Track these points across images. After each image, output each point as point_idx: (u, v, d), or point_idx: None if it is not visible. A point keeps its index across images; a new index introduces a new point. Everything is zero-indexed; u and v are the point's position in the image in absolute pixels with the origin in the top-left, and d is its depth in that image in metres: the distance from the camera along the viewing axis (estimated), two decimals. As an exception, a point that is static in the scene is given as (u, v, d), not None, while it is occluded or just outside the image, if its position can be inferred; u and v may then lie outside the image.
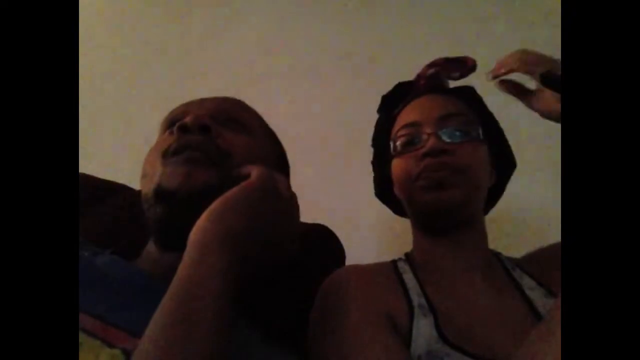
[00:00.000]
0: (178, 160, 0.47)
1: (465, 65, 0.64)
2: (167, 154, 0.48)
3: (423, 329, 0.50)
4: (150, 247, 0.51)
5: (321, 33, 1.17)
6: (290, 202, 0.46)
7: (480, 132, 0.61)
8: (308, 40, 1.17)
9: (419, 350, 0.48)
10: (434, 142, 0.58)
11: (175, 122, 0.52)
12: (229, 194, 0.41)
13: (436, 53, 0.65)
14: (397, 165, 0.63)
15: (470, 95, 0.66)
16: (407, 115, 0.64)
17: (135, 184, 0.72)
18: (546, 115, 0.54)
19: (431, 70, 0.65)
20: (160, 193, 0.46)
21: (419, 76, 0.67)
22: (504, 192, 0.68)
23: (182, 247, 0.49)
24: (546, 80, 0.49)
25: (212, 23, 1.23)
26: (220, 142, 0.49)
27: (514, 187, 0.68)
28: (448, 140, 0.58)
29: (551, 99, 0.52)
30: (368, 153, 0.72)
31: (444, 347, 0.48)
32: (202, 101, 0.56)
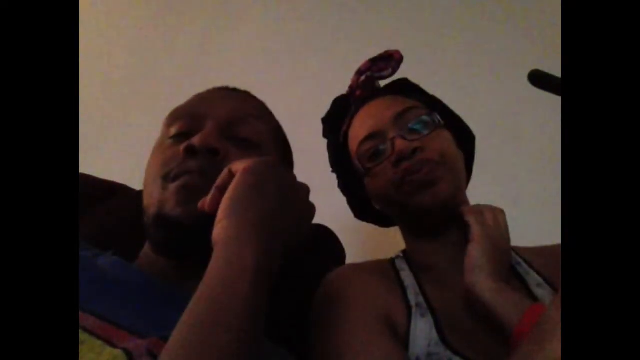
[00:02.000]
0: (178, 187, 0.45)
1: (393, 59, 0.62)
2: (168, 177, 0.47)
3: (422, 330, 0.49)
4: (147, 249, 0.51)
5: (322, 35, 1.17)
6: (290, 173, 0.45)
7: (438, 116, 0.59)
8: (308, 43, 1.17)
9: (418, 351, 0.47)
10: (402, 144, 0.55)
11: (185, 121, 0.50)
12: (232, 188, 0.40)
13: (440, 56, 0.64)
14: (373, 182, 0.60)
15: (407, 87, 0.64)
16: (360, 128, 0.61)
17: (135, 184, 0.72)
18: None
19: (362, 77, 0.63)
20: (162, 220, 0.45)
21: (352, 88, 0.65)
22: (503, 195, 0.68)
23: (179, 257, 0.48)
24: (535, 79, 0.46)
25: (213, 23, 1.23)
26: (227, 164, 0.47)
27: (512, 188, 0.68)
28: (414, 137, 0.56)
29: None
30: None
31: (445, 352, 0.47)
32: (220, 104, 0.53)
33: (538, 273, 0.55)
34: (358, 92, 0.64)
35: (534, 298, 0.52)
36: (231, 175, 0.42)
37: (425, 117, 0.58)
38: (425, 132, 0.57)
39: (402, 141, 0.56)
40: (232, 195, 0.39)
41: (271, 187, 0.40)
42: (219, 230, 0.38)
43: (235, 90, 0.59)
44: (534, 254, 0.59)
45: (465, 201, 0.60)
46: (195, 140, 0.46)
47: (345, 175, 0.67)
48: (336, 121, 0.66)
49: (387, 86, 0.64)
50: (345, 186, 0.68)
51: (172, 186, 0.46)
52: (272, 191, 0.40)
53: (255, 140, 0.52)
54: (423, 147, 0.55)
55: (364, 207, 0.68)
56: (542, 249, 0.60)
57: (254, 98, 0.60)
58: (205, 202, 0.42)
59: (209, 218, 0.41)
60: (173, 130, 0.51)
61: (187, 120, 0.51)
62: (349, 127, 0.64)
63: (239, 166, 0.42)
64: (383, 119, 0.59)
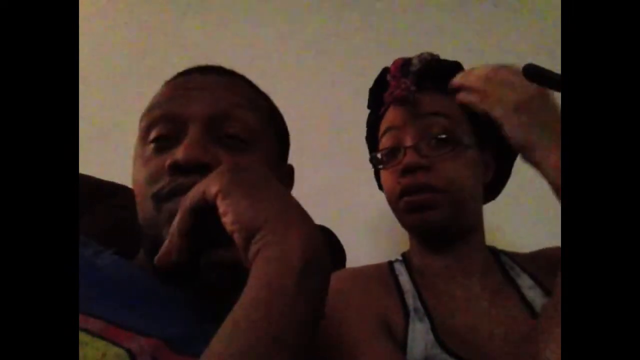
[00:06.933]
0: (173, 211, 0.40)
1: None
2: (159, 196, 0.43)
3: (419, 334, 0.49)
4: (142, 254, 0.50)
5: (321, 32, 1.17)
6: (262, 169, 0.40)
7: (466, 132, 0.57)
8: (307, 39, 1.17)
9: (416, 355, 0.48)
10: (410, 158, 0.55)
11: (164, 125, 0.46)
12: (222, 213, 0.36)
13: (440, 54, 0.64)
14: (383, 179, 0.61)
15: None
16: (390, 114, 0.61)
17: (135, 184, 0.72)
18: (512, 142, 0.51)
19: (413, 88, 0.57)
20: (160, 246, 0.41)
21: (396, 84, 0.59)
22: (502, 195, 0.67)
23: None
24: (529, 73, 0.46)
25: (212, 20, 1.23)
26: None
27: (512, 187, 0.68)
28: (427, 154, 0.55)
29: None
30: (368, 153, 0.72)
31: (442, 354, 0.47)
32: (199, 98, 0.47)
33: (530, 276, 0.56)
34: (397, 92, 0.59)
35: (526, 301, 0.53)
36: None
37: (448, 131, 0.56)
38: (441, 151, 0.55)
39: (412, 154, 0.55)
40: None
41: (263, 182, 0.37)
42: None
43: (211, 70, 0.51)
44: (526, 260, 0.60)
45: (476, 225, 0.59)
46: (180, 155, 0.42)
47: (373, 148, 0.68)
48: (378, 93, 0.64)
49: (437, 75, 0.59)
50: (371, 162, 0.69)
51: (166, 208, 0.42)
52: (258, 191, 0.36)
53: (245, 135, 0.47)
54: (430, 167, 0.54)
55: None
56: (534, 255, 0.61)
57: (236, 78, 0.53)
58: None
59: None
60: (152, 135, 0.47)
61: (166, 124, 0.47)
62: (386, 110, 0.63)
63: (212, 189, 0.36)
64: (408, 115, 0.58)
